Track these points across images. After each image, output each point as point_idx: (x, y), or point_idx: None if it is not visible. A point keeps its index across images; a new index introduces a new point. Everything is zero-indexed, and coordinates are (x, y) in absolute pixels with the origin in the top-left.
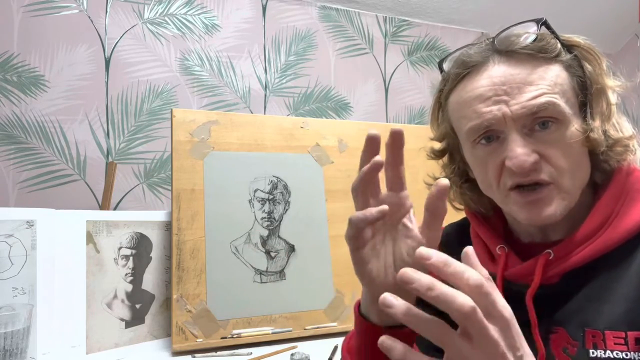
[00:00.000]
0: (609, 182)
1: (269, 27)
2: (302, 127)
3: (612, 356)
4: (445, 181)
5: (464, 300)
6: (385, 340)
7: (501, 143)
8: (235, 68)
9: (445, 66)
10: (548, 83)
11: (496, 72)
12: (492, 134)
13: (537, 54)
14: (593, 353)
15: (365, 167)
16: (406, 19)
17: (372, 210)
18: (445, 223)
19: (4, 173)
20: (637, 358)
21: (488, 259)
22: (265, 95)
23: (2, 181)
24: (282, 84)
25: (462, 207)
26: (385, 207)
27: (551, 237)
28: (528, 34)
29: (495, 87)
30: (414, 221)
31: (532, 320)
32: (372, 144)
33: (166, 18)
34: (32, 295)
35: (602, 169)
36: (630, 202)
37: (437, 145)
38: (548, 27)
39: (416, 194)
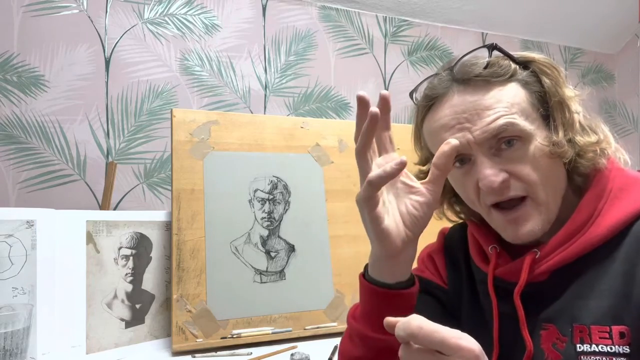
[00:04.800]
0: (590, 184)
1: (269, 27)
2: (302, 127)
3: (597, 350)
4: (455, 141)
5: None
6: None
7: (473, 164)
8: (235, 68)
9: (416, 96)
10: (504, 105)
11: (456, 101)
12: (464, 157)
13: (491, 79)
14: (580, 347)
15: (366, 123)
16: (406, 19)
17: (387, 167)
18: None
19: (4, 173)
20: (620, 351)
21: (482, 259)
22: (265, 95)
23: (2, 181)
24: (282, 84)
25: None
26: (403, 157)
27: (540, 239)
28: (478, 60)
29: (457, 116)
30: (414, 177)
31: (520, 317)
32: (363, 104)
33: (166, 18)
34: (32, 295)
35: (580, 173)
36: (612, 200)
37: (424, 168)
38: (500, 50)
39: None
